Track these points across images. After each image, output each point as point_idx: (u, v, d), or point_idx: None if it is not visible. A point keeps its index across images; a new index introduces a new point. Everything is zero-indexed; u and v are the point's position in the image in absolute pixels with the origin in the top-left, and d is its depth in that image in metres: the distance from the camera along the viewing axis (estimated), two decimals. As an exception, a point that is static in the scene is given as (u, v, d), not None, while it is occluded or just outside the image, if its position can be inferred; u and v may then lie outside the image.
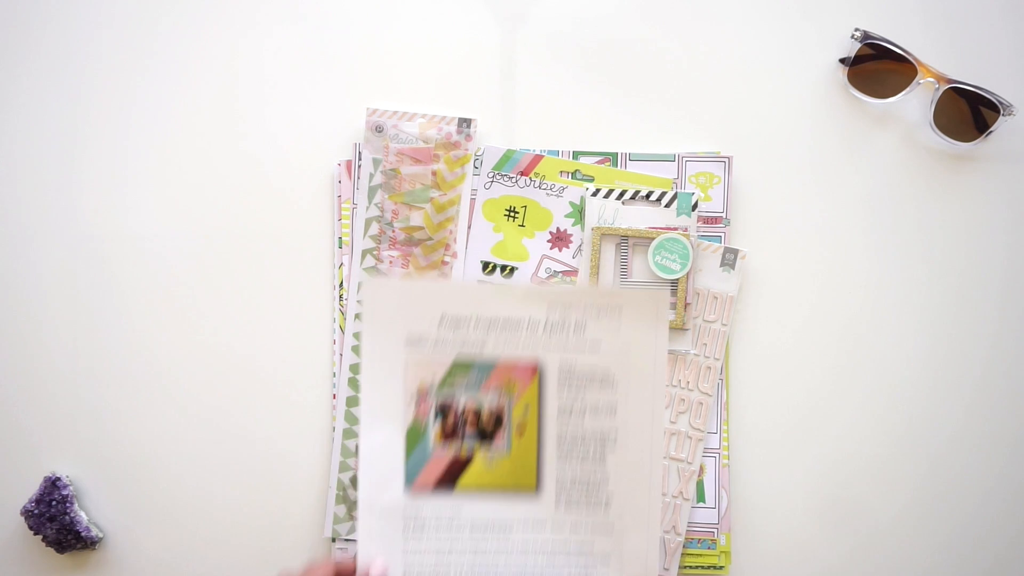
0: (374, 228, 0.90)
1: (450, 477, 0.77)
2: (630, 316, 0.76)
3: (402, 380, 0.77)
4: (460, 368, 0.77)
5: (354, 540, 0.88)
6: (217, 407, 0.91)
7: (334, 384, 0.90)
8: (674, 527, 0.89)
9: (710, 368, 0.89)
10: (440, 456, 0.77)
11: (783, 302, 0.91)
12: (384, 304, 0.76)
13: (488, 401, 0.77)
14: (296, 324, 0.91)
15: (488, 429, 0.78)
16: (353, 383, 0.89)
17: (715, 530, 0.89)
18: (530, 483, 0.78)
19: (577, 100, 0.91)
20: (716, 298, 0.90)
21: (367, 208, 0.90)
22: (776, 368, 0.91)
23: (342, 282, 0.90)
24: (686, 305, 0.89)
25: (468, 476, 0.78)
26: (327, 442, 0.90)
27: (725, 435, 0.90)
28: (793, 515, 0.90)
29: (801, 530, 0.90)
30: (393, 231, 0.90)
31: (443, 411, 0.77)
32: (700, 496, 0.89)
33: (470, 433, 0.78)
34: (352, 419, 0.89)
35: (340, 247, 0.90)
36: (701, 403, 0.89)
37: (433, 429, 0.77)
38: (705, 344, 0.90)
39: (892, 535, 0.90)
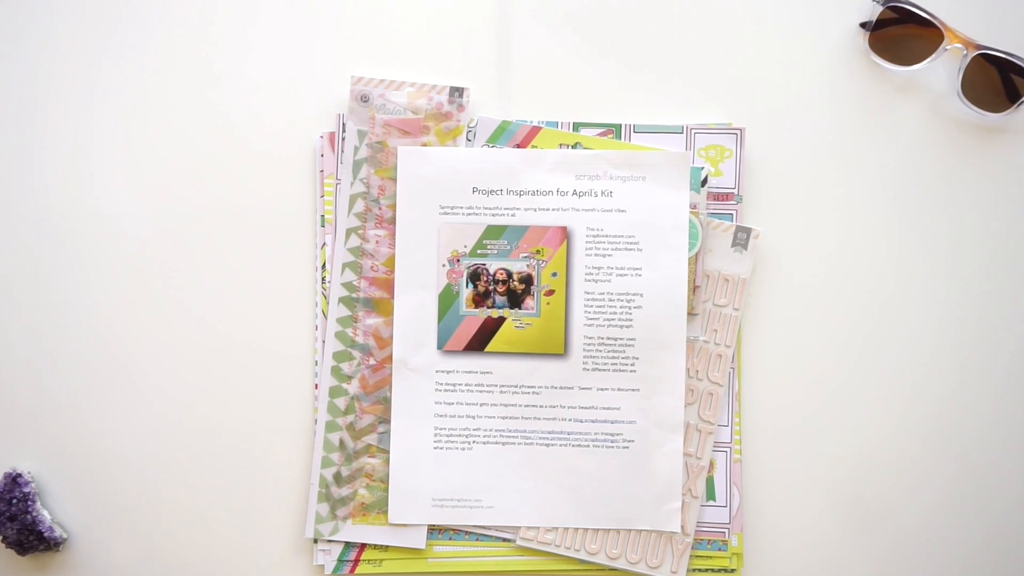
0: (359, 205, 0.88)
1: (480, 339, 0.86)
2: (654, 181, 0.85)
3: (435, 246, 0.86)
4: (491, 234, 0.85)
5: (337, 542, 0.88)
6: (190, 398, 0.90)
7: (316, 374, 0.89)
8: (682, 527, 0.88)
9: (721, 356, 0.88)
10: (471, 319, 0.86)
11: (799, 285, 0.90)
12: (419, 173, 0.85)
13: (518, 266, 0.86)
14: (275, 309, 0.90)
15: (518, 293, 0.86)
16: (337, 372, 0.88)
17: (726, 530, 0.89)
18: (558, 345, 0.86)
19: (577, 67, 0.90)
20: (727, 281, 0.89)
21: (352, 184, 0.89)
22: (792, 356, 0.90)
23: (325, 263, 0.89)
24: (695, 288, 0.88)
25: (498, 339, 0.86)
26: (308, 436, 0.89)
27: (737, 428, 0.89)
28: (810, 514, 0.89)
29: (819, 531, 0.89)
30: (380, 208, 0.88)
31: (475, 276, 0.86)
32: (710, 494, 0.88)
33: (500, 298, 0.86)
34: (336, 411, 0.88)
35: (323, 226, 0.89)
36: (711, 394, 0.88)
37: (465, 293, 0.86)
38: (715, 330, 0.88)
39: (917, 536, 0.90)
